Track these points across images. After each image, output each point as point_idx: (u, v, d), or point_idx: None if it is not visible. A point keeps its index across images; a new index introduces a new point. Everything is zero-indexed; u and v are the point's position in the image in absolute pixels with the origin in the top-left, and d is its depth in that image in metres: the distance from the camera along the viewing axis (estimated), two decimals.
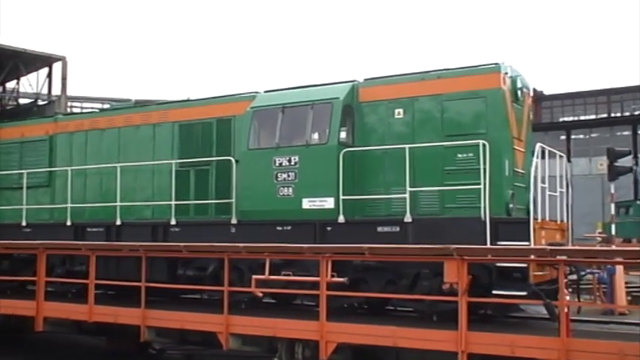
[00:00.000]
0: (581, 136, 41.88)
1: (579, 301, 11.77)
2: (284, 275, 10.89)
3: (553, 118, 53.86)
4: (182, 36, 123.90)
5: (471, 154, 10.31)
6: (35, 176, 15.00)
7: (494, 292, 9.51)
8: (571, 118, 53.17)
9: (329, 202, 11.01)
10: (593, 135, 40.40)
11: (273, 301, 12.71)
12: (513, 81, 10.93)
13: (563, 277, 8.30)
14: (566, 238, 11.39)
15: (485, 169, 9.93)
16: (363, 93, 11.55)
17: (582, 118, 52.54)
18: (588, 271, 12.31)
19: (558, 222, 11.10)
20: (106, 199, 13.82)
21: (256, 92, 12.63)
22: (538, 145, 10.23)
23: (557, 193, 11.12)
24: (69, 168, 14.28)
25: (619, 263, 9.67)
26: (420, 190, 10.60)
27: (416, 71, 11.31)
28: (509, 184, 10.50)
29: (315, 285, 9.93)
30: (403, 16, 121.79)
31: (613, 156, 13.71)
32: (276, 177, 11.50)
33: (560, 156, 11.36)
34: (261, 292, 10.78)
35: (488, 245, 9.57)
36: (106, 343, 14.88)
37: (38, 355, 15.25)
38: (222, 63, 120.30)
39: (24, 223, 14.57)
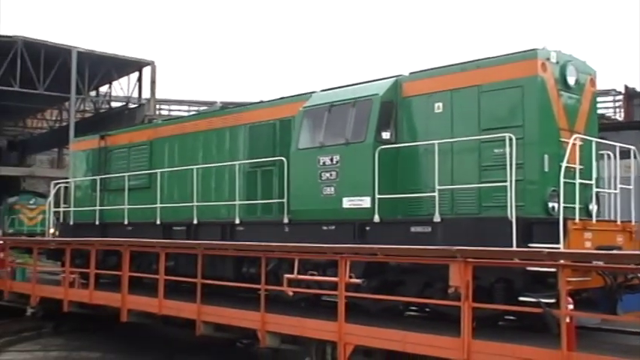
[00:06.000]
0: None
1: None
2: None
3: None
4: (265, 35, 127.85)
5: (507, 149, 9.51)
6: (138, 179, 16.22)
7: (520, 298, 8.75)
8: None
9: (366, 202, 10.74)
10: None
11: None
12: (562, 67, 9.92)
13: (565, 283, 7.41)
14: (634, 240, 10.13)
15: (511, 164, 9.15)
16: (406, 87, 11.10)
17: None
18: None
19: (619, 222, 9.90)
20: (188, 200, 14.58)
21: (313, 92, 12.63)
22: (575, 137, 9.23)
23: (617, 191, 9.94)
24: (158, 171, 15.28)
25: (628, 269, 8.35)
26: (450, 189, 10.01)
27: (458, 62, 10.67)
28: (549, 181, 9.53)
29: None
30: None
31: None
32: (320, 176, 11.43)
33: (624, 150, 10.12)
34: (292, 292, 10.77)
35: (514, 247, 8.79)
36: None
37: (127, 343, 16.44)
38: (304, 61, 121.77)
39: (126, 222, 15.83)
